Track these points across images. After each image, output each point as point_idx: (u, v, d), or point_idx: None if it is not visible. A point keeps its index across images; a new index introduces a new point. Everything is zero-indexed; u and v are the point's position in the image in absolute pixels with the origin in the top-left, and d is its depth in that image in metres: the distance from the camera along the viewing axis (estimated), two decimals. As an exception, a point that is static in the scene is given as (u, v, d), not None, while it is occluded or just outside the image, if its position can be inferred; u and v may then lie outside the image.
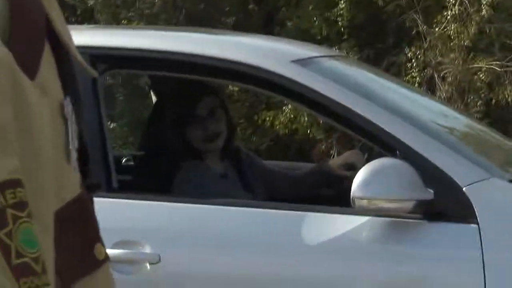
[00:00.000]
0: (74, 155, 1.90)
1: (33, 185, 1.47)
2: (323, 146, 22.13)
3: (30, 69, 1.56)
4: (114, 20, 28.45)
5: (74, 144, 1.83)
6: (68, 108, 1.81)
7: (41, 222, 1.51)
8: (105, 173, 5.74)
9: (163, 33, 7.94)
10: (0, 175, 1.38)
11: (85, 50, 5.39)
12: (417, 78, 23.40)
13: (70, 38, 1.90)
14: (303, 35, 24.77)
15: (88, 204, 2.01)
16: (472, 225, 4.97)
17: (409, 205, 5.05)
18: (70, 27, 6.74)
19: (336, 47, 24.50)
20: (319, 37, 25.68)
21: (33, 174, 1.48)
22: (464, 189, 5.06)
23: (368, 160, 5.54)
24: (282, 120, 22.06)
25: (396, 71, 23.62)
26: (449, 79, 23.09)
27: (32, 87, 1.54)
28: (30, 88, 1.52)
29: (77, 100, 1.92)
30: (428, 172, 5.12)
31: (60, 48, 1.83)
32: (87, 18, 31.28)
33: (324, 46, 22.42)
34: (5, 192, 1.38)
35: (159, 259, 5.58)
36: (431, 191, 5.05)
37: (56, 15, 1.83)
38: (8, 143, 1.42)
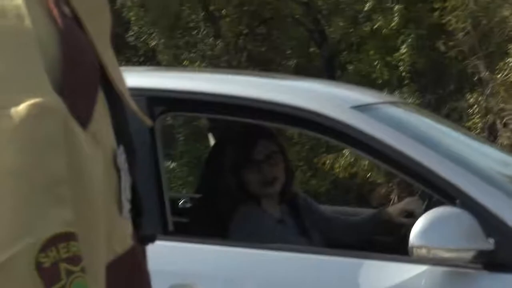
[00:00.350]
0: (126, 206, 1.85)
1: (87, 238, 1.43)
2: (383, 190, 22.03)
3: (83, 118, 1.52)
4: (176, 61, 28.46)
5: (126, 195, 1.79)
6: (121, 158, 1.78)
7: (93, 275, 1.48)
8: (161, 217, 5.62)
9: (219, 76, 7.91)
10: (54, 228, 1.34)
11: (143, 92, 5.65)
12: (479, 124, 23.16)
13: (124, 85, 1.88)
14: (364, 80, 24.76)
15: (140, 256, 1.96)
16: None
17: (469, 255, 4.85)
18: (128, 68, 6.54)
19: (397, 92, 24.62)
20: (380, 82, 25.76)
21: (86, 226, 1.44)
22: None
23: (427, 208, 5.30)
24: (341, 163, 21.94)
25: (457, 117, 23.57)
26: (511, 126, 22.76)
27: (85, 136, 1.50)
28: (83, 138, 1.48)
29: (130, 149, 1.90)
30: (488, 222, 4.92)
31: (114, 95, 1.80)
32: (149, 58, 31.95)
33: (385, 90, 23.72)
34: (58, 246, 1.34)
35: (213, 303, 5.57)
36: (492, 241, 4.84)
37: (110, 61, 1.80)
38: (62, 195, 1.38)
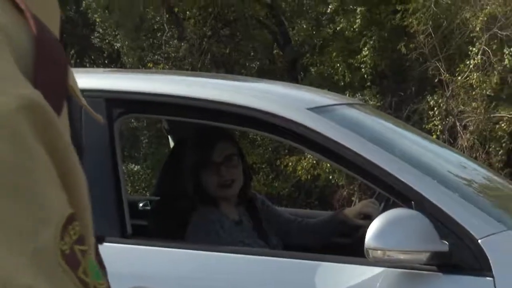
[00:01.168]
0: None
1: (82, 221, 1.35)
2: (345, 193, 22.29)
3: (56, 110, 1.40)
4: (140, 63, 28.70)
5: None
6: None
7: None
8: (120, 219, 5.63)
9: (178, 77, 7.78)
10: (64, 211, 1.28)
11: (102, 94, 5.77)
12: (439, 126, 23.48)
13: (75, 81, 1.70)
14: (327, 82, 25.10)
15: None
16: (488, 278, 4.82)
17: (424, 256, 4.86)
18: (88, 70, 6.54)
19: (359, 94, 25.00)
20: (342, 84, 25.97)
21: (80, 207, 1.36)
22: (479, 241, 4.88)
23: (383, 210, 5.38)
24: (304, 165, 22.16)
25: (417, 119, 23.89)
26: (471, 128, 23.17)
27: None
28: (61, 127, 1.37)
29: (80, 150, 1.66)
30: (443, 224, 4.96)
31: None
32: (114, 60, 32.02)
33: (347, 92, 24.22)
34: (69, 229, 1.27)
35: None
36: (446, 242, 4.88)
37: None
38: (55, 178, 1.30)
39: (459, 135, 23.32)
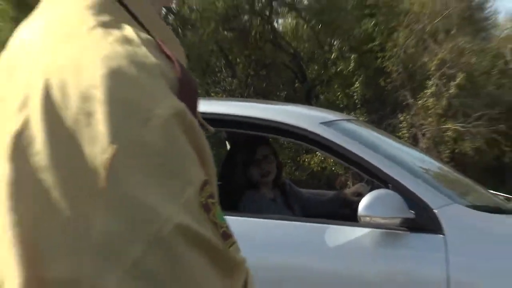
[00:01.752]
0: None
1: (211, 184, 1.39)
2: (343, 179, 22.65)
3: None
4: (206, 94, 27.99)
5: None
6: None
7: None
8: None
9: (233, 103, 7.82)
10: (201, 177, 1.35)
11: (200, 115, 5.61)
12: (406, 134, 23.78)
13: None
14: (331, 105, 24.75)
15: None
16: (440, 235, 4.89)
17: (397, 221, 4.97)
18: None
19: (352, 113, 24.61)
20: (341, 106, 26.05)
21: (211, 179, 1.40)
22: (434, 211, 4.98)
23: (370, 190, 5.37)
24: (316, 161, 22.65)
25: (392, 130, 23.61)
26: (427, 135, 23.32)
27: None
28: (199, 129, 1.42)
29: None
30: (410, 199, 5.03)
31: None
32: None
33: (345, 112, 23.16)
34: (204, 188, 1.35)
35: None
36: (413, 212, 4.96)
37: None
38: (196, 160, 1.38)
39: (419, 140, 23.54)
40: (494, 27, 28.89)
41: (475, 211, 5.31)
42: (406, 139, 23.36)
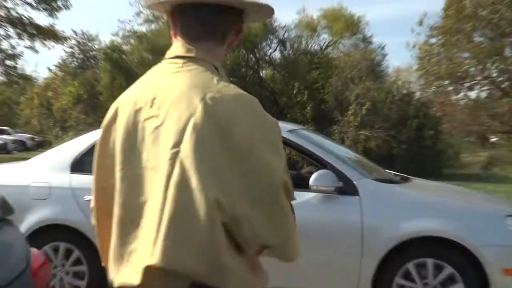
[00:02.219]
0: None
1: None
2: (304, 165, 22.27)
3: None
4: None
5: None
6: None
7: None
8: None
9: None
10: (284, 164, 1.57)
11: None
12: (337, 138, 23.33)
13: None
14: (293, 121, 23.08)
15: None
16: (357, 197, 4.78)
17: (332, 188, 4.84)
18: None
19: (306, 125, 21.71)
20: (299, 121, 24.78)
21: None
22: (354, 182, 4.87)
23: (316, 170, 5.14)
24: (293, 155, 22.52)
25: (329, 135, 21.24)
26: (350, 138, 23.40)
27: None
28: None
29: None
30: (340, 176, 4.89)
31: None
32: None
33: (301, 125, 23.58)
34: (285, 170, 1.57)
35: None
36: (341, 183, 4.84)
37: None
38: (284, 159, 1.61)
39: (345, 141, 23.25)
40: (387, 75, 28.94)
41: (377, 182, 5.15)
42: (337, 141, 21.32)
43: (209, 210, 1.39)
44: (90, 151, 5.29)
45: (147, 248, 1.43)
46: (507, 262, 4.50)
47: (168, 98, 1.53)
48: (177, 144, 1.45)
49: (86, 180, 4.85)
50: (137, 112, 1.58)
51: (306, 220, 4.37)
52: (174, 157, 1.45)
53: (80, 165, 5.30)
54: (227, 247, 1.43)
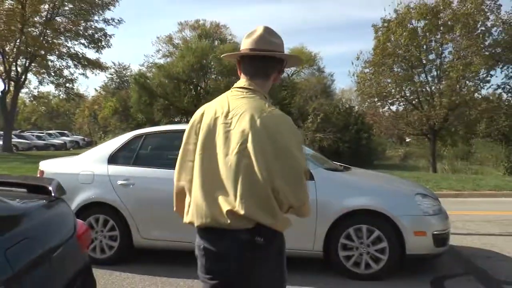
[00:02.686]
0: None
1: None
2: None
3: None
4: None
5: None
6: None
7: None
8: None
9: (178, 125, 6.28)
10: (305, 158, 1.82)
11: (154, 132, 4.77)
12: None
13: None
14: None
15: None
16: (312, 181, 4.47)
17: None
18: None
19: None
20: None
21: None
22: (311, 170, 4.54)
23: None
24: None
25: None
26: (309, 139, 22.79)
27: None
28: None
29: None
30: None
31: None
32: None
33: None
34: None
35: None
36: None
37: None
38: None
39: (305, 142, 21.92)
40: (335, 94, 29.40)
41: (327, 170, 4.94)
42: None
43: (264, 182, 1.72)
44: (121, 148, 5.30)
45: (227, 200, 1.75)
46: (416, 227, 4.49)
47: (237, 113, 1.81)
48: (244, 142, 1.75)
49: (119, 170, 5.10)
50: (216, 118, 1.86)
51: None
52: (241, 150, 1.75)
53: (114, 158, 5.25)
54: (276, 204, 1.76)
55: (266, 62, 1.94)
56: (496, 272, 4.72)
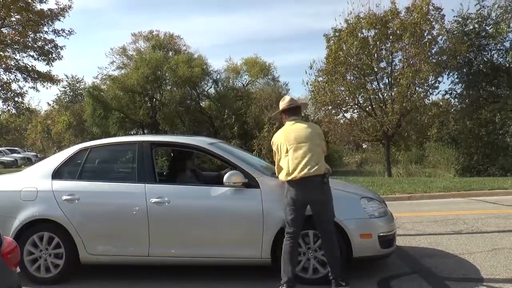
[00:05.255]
0: None
1: None
2: (225, 170, 23.04)
3: None
4: (172, 133, 24.70)
5: None
6: None
7: None
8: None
9: (178, 136, 5.95)
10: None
11: (152, 141, 5.12)
12: (256, 149, 23.37)
13: None
14: (224, 137, 24.72)
15: None
16: (259, 189, 4.57)
17: (240, 184, 4.57)
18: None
19: (233, 141, 25.16)
20: (228, 137, 25.69)
21: None
22: (256, 178, 4.64)
23: (230, 170, 4.79)
24: (215, 162, 22.34)
25: (250, 147, 23.87)
26: (265, 148, 23.04)
27: None
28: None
29: None
30: (245, 174, 4.65)
31: None
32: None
33: (229, 140, 23.94)
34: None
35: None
36: (246, 179, 4.62)
37: None
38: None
39: (262, 151, 23.17)
40: (305, 110, 29.74)
41: (273, 178, 4.70)
42: (255, 151, 23.06)
43: (321, 153, 4.31)
44: (66, 163, 5.21)
45: (310, 164, 4.20)
46: (362, 230, 4.57)
47: (300, 129, 4.36)
48: (306, 140, 4.28)
49: (63, 185, 5.00)
50: (290, 132, 4.34)
51: (222, 207, 4.65)
52: (306, 142, 4.27)
53: (59, 173, 5.16)
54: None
55: (299, 109, 4.56)
56: (439, 270, 4.89)
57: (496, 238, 6.31)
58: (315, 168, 4.18)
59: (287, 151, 4.30)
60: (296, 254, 4.36)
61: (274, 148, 4.51)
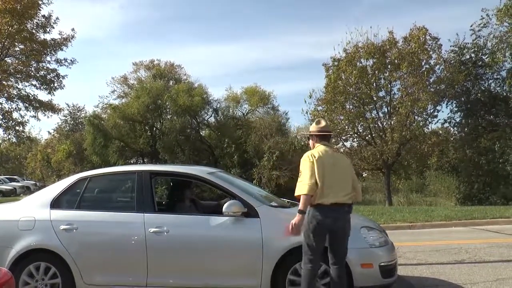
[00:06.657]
0: None
1: None
2: (224, 199, 22.66)
3: None
4: (172, 163, 25.21)
5: None
6: None
7: None
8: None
9: (177, 166, 6.29)
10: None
11: (151, 171, 5.13)
12: (256, 177, 23.69)
13: None
14: (224, 166, 24.80)
15: None
16: (258, 218, 4.57)
17: (239, 213, 4.55)
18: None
19: (233, 170, 25.10)
20: (228, 166, 25.69)
21: None
22: (256, 208, 4.65)
23: (229, 200, 4.82)
24: (214, 191, 22.12)
25: (250, 176, 23.94)
26: (265, 177, 23.56)
27: None
28: None
29: None
30: (245, 203, 4.64)
31: None
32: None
33: (229, 170, 23.92)
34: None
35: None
36: (246, 209, 4.60)
37: None
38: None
39: (262, 180, 23.48)
40: (290, 132, 29.14)
41: (273, 207, 4.87)
42: (255, 180, 23.21)
43: (352, 184, 4.34)
44: (65, 192, 5.17)
45: (342, 192, 4.21)
46: (363, 259, 4.52)
47: (339, 157, 4.44)
48: (344, 169, 4.33)
49: (62, 214, 4.96)
50: (324, 158, 4.21)
51: (221, 236, 4.63)
52: (344, 171, 4.32)
53: (58, 203, 5.13)
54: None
55: (329, 135, 4.56)
56: (442, 300, 4.77)
57: (500, 267, 6.22)
58: (348, 196, 4.23)
59: (323, 175, 4.15)
60: (315, 282, 4.30)
61: (307, 163, 4.22)
